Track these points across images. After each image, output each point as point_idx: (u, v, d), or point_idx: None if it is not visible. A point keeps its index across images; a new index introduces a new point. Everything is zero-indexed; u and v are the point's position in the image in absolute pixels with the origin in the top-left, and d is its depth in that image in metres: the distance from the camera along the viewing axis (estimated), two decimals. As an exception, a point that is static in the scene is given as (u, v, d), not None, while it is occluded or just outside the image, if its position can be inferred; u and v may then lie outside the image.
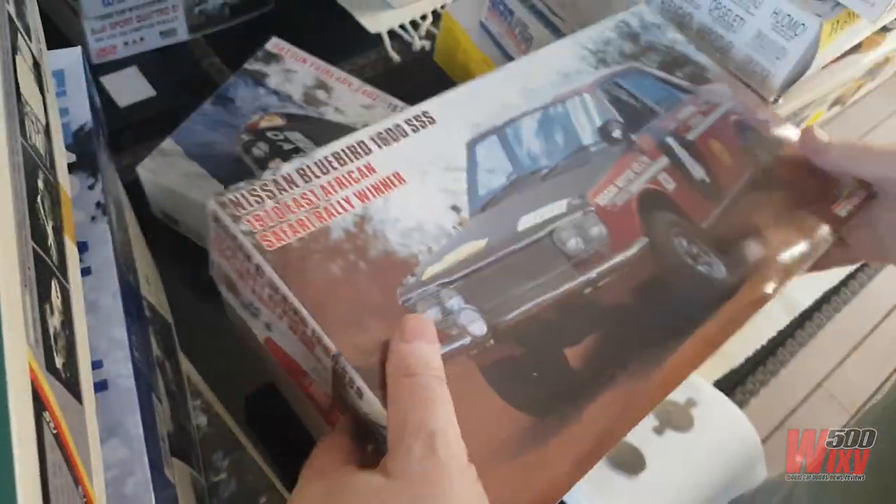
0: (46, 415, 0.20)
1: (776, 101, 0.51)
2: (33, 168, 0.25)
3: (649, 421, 0.53)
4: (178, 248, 0.58)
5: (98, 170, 0.36)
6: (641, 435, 0.52)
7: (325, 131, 0.59)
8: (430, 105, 0.38)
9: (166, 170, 0.55)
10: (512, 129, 0.39)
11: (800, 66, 0.48)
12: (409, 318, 0.30)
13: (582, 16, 0.60)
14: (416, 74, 0.75)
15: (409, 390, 0.28)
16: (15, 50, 0.27)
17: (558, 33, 0.64)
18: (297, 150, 0.58)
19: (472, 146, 0.38)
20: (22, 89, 0.27)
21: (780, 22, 0.47)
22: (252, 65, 0.62)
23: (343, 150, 0.35)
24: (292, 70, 0.62)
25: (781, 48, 0.48)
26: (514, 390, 0.31)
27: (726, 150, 0.42)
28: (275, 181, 0.33)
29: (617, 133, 0.41)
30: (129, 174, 0.59)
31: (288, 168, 0.33)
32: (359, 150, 0.35)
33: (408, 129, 0.37)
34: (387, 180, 0.35)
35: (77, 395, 0.23)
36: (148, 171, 0.54)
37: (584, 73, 0.43)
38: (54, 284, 0.24)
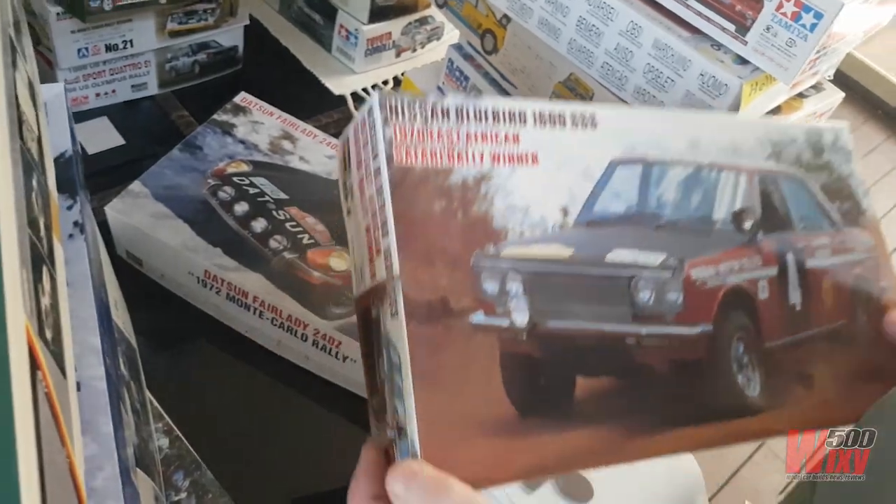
0: (39, 374, 0.22)
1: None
2: (28, 167, 0.27)
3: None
4: (141, 289, 0.59)
5: (76, 193, 0.38)
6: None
7: (290, 177, 0.62)
8: (601, 110, 0.38)
9: (134, 210, 0.57)
10: (658, 169, 0.38)
11: (725, 122, 0.53)
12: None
13: (531, 80, 0.65)
14: (376, 133, 0.79)
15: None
16: (14, 66, 0.30)
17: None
18: (262, 194, 0.60)
19: (613, 165, 0.37)
20: (20, 100, 0.29)
21: (706, 83, 0.52)
22: (220, 116, 0.65)
23: (503, 111, 0.35)
24: (259, 122, 0.66)
25: (708, 107, 0.53)
26: (515, 384, 0.33)
27: (832, 293, 0.42)
28: (433, 106, 0.33)
29: (748, 224, 0.40)
30: (96, 216, 0.60)
31: (450, 101, 0.34)
32: (517, 117, 0.35)
33: (569, 121, 0.36)
34: (523, 155, 0.35)
35: (63, 370, 0.25)
36: (115, 210, 0.56)
37: (753, 157, 0.42)
38: (45, 270, 0.26)
